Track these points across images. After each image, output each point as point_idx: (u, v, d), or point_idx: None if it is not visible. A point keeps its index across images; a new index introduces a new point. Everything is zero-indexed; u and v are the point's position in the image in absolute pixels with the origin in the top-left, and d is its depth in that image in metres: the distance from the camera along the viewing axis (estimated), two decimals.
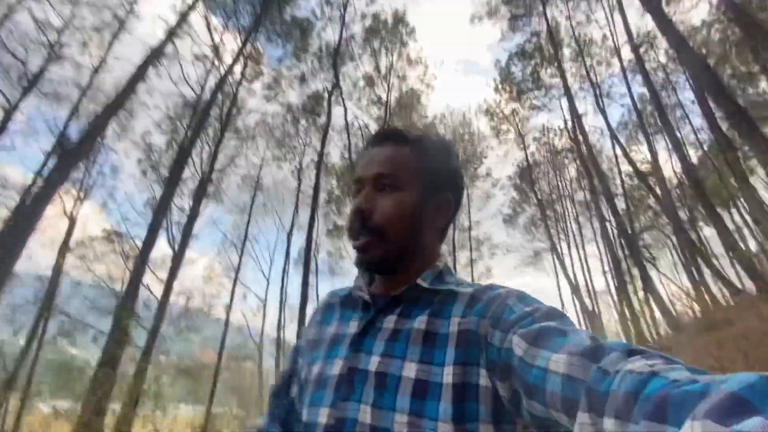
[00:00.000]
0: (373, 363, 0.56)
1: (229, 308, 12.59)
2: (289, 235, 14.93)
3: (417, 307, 0.60)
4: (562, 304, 18.14)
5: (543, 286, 19.67)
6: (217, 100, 13.21)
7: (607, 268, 16.07)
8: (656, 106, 12.72)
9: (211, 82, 13.19)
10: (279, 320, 14.61)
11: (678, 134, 13.75)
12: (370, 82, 13.69)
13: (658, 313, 12.91)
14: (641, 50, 13.99)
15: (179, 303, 13.31)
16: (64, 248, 11.85)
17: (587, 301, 17.51)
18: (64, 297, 11.84)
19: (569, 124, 15.95)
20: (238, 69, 12.56)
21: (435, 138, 0.70)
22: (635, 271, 14.03)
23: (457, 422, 0.49)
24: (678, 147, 12.30)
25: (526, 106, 18.05)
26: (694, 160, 15.64)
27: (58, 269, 11.54)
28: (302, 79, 12.85)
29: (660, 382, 0.31)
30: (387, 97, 13.55)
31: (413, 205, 0.63)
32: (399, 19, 13.23)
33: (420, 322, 0.57)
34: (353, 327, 0.63)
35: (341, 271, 17.47)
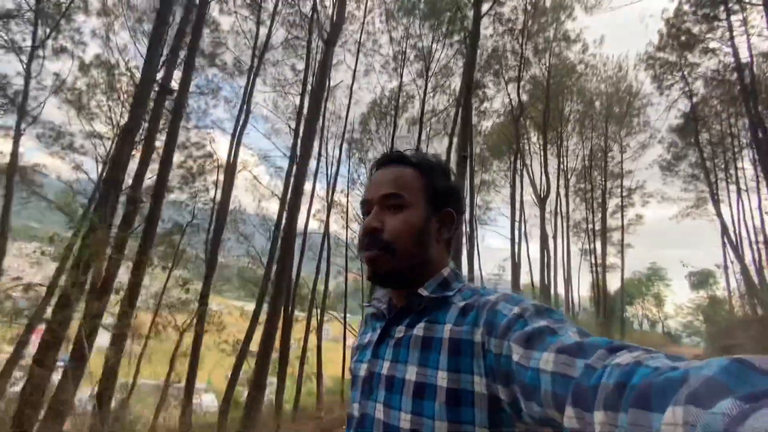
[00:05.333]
0: (385, 367, 0.65)
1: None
2: None
3: (421, 316, 0.66)
4: (725, 259, 18.38)
5: (704, 234, 19.65)
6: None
7: None
8: None
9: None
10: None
11: None
12: (522, 60, 15.77)
13: None
14: None
15: None
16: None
17: (748, 253, 17.47)
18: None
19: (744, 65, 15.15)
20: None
21: (434, 159, 0.77)
22: None
23: (453, 422, 0.54)
24: None
25: (696, 51, 17.25)
26: None
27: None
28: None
29: (644, 371, 0.33)
30: (548, 75, 15.58)
31: (420, 222, 0.70)
32: (558, 2, 14.59)
33: (419, 329, 0.64)
34: (377, 335, 0.72)
35: None
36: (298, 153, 9.85)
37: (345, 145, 17.40)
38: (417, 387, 0.58)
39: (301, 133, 11.12)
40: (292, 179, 11.27)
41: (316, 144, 15.88)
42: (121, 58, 12.53)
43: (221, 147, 21.77)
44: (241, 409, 10.29)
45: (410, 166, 0.74)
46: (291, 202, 9.17)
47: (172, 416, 9.24)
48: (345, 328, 12.80)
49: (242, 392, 11.00)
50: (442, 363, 0.58)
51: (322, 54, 8.32)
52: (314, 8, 10.97)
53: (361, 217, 0.76)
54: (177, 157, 13.00)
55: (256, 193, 16.27)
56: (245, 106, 10.19)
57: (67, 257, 10.99)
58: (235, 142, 10.23)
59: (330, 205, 14.93)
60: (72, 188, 13.48)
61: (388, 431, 0.60)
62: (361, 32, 14.57)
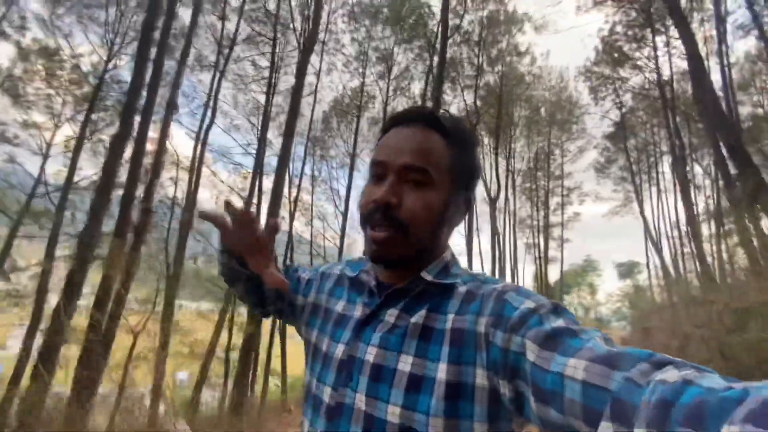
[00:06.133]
0: (370, 354, 0.58)
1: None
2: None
3: (419, 303, 0.61)
4: (647, 252, 20.90)
5: (631, 230, 22.10)
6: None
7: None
8: None
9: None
10: None
11: None
12: (479, 70, 16.80)
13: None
14: None
15: None
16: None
17: (666, 247, 19.97)
18: None
19: (666, 80, 17.28)
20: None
21: (465, 128, 0.66)
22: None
23: (449, 418, 0.50)
24: None
25: (626, 67, 19.33)
26: None
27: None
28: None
29: (695, 389, 0.30)
30: (501, 84, 16.80)
31: (441, 206, 0.62)
32: (510, 17, 15.78)
33: (419, 317, 0.58)
34: (358, 311, 0.65)
35: None
36: (268, 152, 9.94)
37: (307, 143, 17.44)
38: (412, 379, 0.54)
39: (268, 132, 11.15)
40: (259, 177, 11.29)
41: (279, 141, 15.82)
42: (68, 43, 11.74)
43: (177, 141, 20.83)
44: (209, 411, 10.27)
45: (440, 133, 0.63)
46: (271, 206, 9.31)
47: (136, 422, 9.03)
48: None
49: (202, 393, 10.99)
50: (443, 355, 0.54)
51: (298, 61, 8.48)
52: (279, 6, 10.99)
53: (367, 180, 0.66)
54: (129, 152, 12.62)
55: (214, 190, 15.96)
56: (211, 103, 10.04)
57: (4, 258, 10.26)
58: (201, 141, 10.05)
59: (295, 203, 15.03)
60: (6, 182, 12.46)
61: (371, 423, 0.55)
62: (326, 32, 14.71)
